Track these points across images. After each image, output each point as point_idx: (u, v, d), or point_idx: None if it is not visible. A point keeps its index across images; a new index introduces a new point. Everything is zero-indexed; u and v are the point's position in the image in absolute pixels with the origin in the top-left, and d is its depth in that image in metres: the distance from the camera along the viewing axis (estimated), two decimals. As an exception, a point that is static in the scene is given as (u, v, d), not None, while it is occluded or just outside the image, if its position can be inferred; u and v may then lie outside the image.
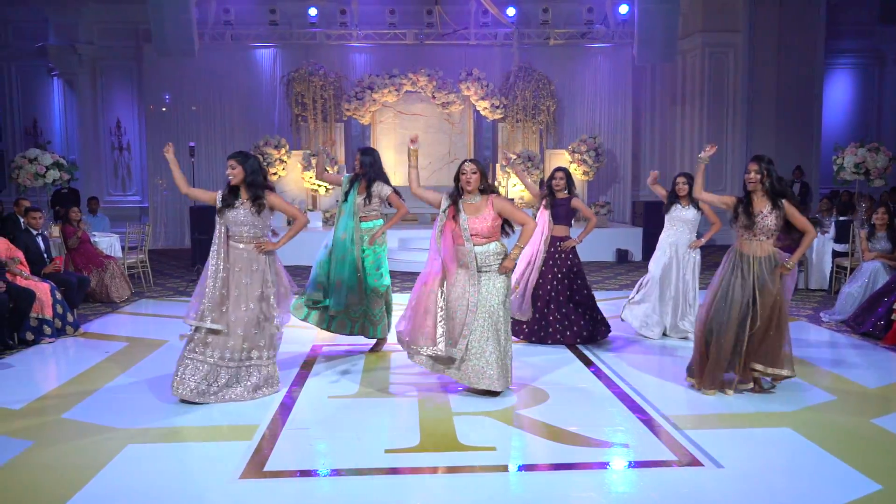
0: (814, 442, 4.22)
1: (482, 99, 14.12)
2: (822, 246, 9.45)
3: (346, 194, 6.18)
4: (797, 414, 4.74)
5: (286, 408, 4.92)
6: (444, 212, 5.08)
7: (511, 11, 14.16)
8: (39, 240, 7.76)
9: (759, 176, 4.98)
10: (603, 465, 3.98)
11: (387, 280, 6.30)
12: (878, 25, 16.39)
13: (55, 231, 9.29)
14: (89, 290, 8.68)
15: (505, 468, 3.96)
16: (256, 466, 3.96)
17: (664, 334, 6.89)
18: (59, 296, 7.13)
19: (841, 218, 9.41)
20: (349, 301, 6.08)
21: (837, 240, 9.18)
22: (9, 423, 4.70)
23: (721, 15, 14.79)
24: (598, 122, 15.24)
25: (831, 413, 4.79)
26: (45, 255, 7.74)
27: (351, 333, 6.28)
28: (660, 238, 7.01)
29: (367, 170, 6.15)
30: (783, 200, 4.96)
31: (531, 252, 6.61)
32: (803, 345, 6.71)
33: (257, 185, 5.10)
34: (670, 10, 13.03)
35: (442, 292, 5.08)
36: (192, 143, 11.49)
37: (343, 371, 5.85)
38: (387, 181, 6.28)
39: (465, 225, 4.97)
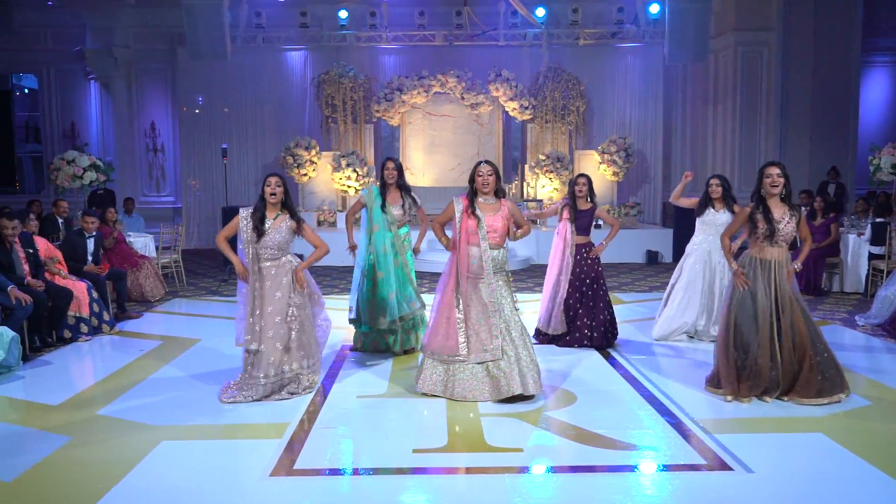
0: (847, 448, 4.15)
1: (511, 100, 14.11)
2: (857, 248, 9.29)
3: (380, 206, 6.17)
4: (831, 419, 4.67)
5: (316, 406, 4.98)
6: (460, 210, 5.11)
7: (540, 12, 14.12)
8: (91, 242, 7.91)
9: (782, 180, 4.94)
10: (631, 468, 3.97)
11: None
12: (917, 22, 16.04)
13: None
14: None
15: (532, 470, 3.96)
16: (287, 464, 4.01)
17: (690, 337, 6.81)
18: (95, 294, 7.28)
19: (877, 219, 9.22)
20: (403, 312, 6.18)
21: (873, 242, 9.00)
22: (47, 418, 4.82)
23: (754, 13, 14.59)
24: (628, 123, 15.14)
25: (866, 419, 4.71)
26: (92, 257, 7.91)
27: (405, 350, 6.36)
28: (691, 242, 6.90)
29: (400, 178, 6.26)
30: (800, 207, 5.00)
31: (557, 267, 6.59)
32: (838, 349, 6.48)
33: (291, 205, 5.23)
34: (702, 9, 12.90)
35: (458, 300, 5.09)
36: (224, 146, 11.65)
37: (372, 371, 5.90)
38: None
39: (483, 223, 5.04)
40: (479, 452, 4.18)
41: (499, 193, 5.18)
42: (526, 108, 14.16)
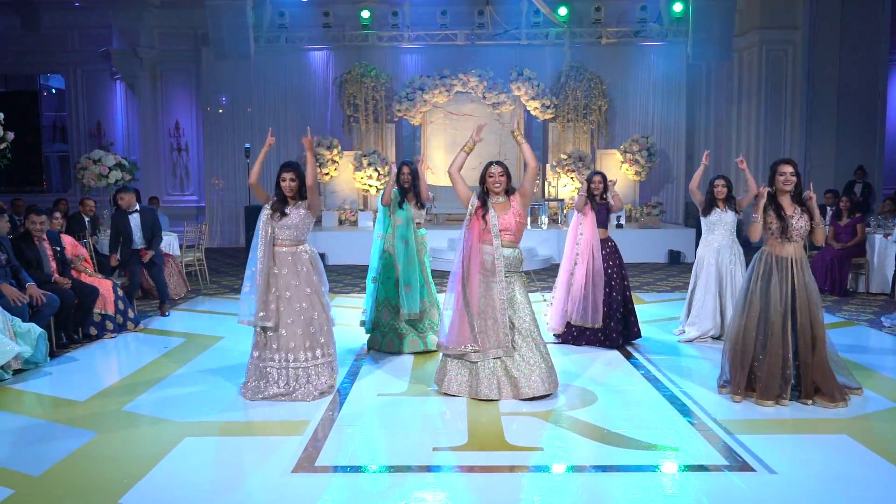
0: (872, 450, 4.10)
1: (533, 99, 14.08)
2: (884, 248, 9.16)
3: (399, 205, 6.42)
4: (855, 421, 4.61)
5: (337, 404, 5.01)
6: (472, 211, 5.11)
7: (563, 11, 14.07)
8: (134, 219, 8.02)
9: (794, 178, 4.94)
10: (652, 469, 3.95)
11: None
12: (946, 19, 15.76)
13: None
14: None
15: (552, 469, 3.96)
16: (308, 461, 4.04)
17: (715, 339, 6.75)
18: (121, 293, 7.38)
19: (904, 219, 9.11)
20: (422, 306, 6.34)
21: (901, 242, 8.88)
22: (74, 413, 4.90)
23: (779, 12, 14.43)
24: (650, 122, 15.03)
25: (891, 422, 4.65)
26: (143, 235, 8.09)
27: (420, 352, 6.41)
28: (700, 244, 6.87)
29: (415, 181, 6.44)
30: (807, 203, 4.97)
31: (586, 261, 6.55)
32: (863, 350, 6.53)
33: (305, 190, 5.24)
34: (727, 7, 12.80)
35: (468, 296, 5.09)
36: (247, 145, 11.75)
37: (392, 369, 5.92)
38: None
39: (495, 221, 5.04)
40: (500, 451, 4.18)
41: (509, 192, 5.19)
42: (548, 107, 14.12)
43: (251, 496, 3.65)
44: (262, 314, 5.08)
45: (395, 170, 6.48)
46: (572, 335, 6.61)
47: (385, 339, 6.46)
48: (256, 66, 14.55)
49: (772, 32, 14.53)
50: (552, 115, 14.29)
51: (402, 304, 6.30)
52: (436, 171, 14.43)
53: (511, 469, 3.94)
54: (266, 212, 5.20)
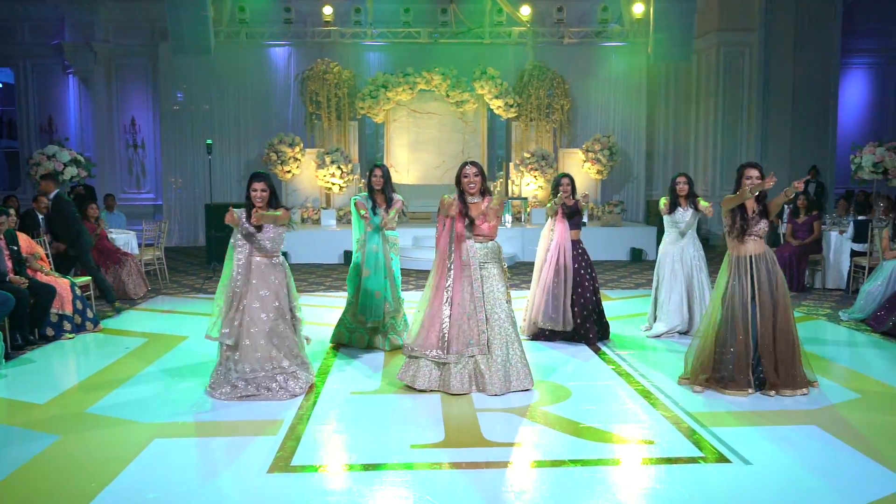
0: (841, 440, 4.20)
1: (496, 97, 14.10)
2: (839, 245, 9.39)
3: (372, 210, 6.37)
4: (823, 412, 4.71)
5: (310, 403, 4.92)
6: (453, 214, 5.10)
7: (526, 10, 14.13)
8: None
9: (760, 181, 5.07)
10: (630, 462, 3.97)
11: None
12: (894, 25, 16.27)
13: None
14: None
15: (531, 464, 3.95)
16: (283, 461, 3.96)
17: (681, 334, 6.84)
18: (79, 292, 7.16)
19: (859, 217, 9.34)
20: (385, 310, 6.34)
21: (855, 239, 9.11)
22: (33, 416, 4.73)
23: (737, 14, 14.73)
24: (611, 121, 15.19)
25: (857, 411, 4.76)
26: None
27: (389, 349, 6.42)
28: (663, 242, 6.95)
29: (386, 184, 6.42)
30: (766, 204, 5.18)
31: (554, 264, 6.57)
32: (824, 343, 6.69)
33: (278, 203, 5.19)
34: (687, 8, 12.98)
35: (446, 296, 5.08)
36: (209, 141, 11.47)
37: (363, 367, 5.86)
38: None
39: (470, 226, 5.08)
40: (478, 447, 4.16)
41: (484, 193, 5.19)
42: (511, 105, 14.16)
43: (227, 498, 3.57)
44: (225, 331, 5.00)
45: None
46: (545, 335, 6.62)
47: (353, 335, 6.45)
48: (216, 62, 14.26)
49: (729, 34, 14.82)
50: (515, 114, 14.33)
51: (369, 309, 6.28)
52: (399, 170, 14.37)
53: (490, 465, 3.91)
54: (242, 226, 5.09)
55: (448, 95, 14.15)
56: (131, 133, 15.53)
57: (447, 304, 5.07)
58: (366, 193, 6.49)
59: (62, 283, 7.00)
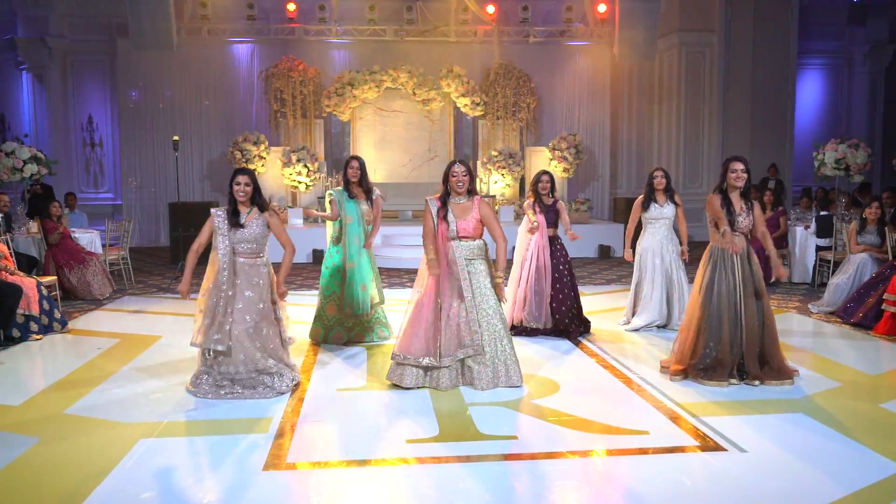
0: (829, 426, 4.27)
1: (463, 96, 14.10)
2: (805, 240, 9.62)
3: (348, 198, 6.32)
4: (807, 400, 4.80)
5: (297, 401, 4.84)
6: (435, 215, 5.07)
7: (491, 9, 14.17)
8: None
9: (745, 175, 5.14)
10: (630, 452, 3.97)
11: None
12: (847, 26, 16.77)
13: (33, 227, 9.07)
14: (69, 286, 8.50)
15: (530, 456, 3.92)
16: (278, 458, 3.88)
17: (659, 328, 6.91)
18: (45, 292, 6.93)
19: (822, 213, 9.58)
20: (371, 302, 6.35)
21: (819, 234, 9.34)
22: (9, 419, 4.55)
23: (697, 15, 15.01)
24: (577, 120, 15.34)
25: (840, 399, 4.86)
26: None
27: (369, 342, 6.44)
28: (642, 238, 7.00)
29: (363, 176, 6.39)
30: (753, 202, 5.24)
31: (534, 261, 6.59)
32: (799, 335, 6.83)
33: (262, 200, 5.09)
34: (651, 8, 13.15)
35: (436, 299, 5.05)
36: (176, 137, 11.14)
37: (347, 364, 5.79)
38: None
39: (454, 227, 5.05)
40: (474, 441, 4.13)
41: (472, 193, 5.16)
42: (478, 104, 14.17)
43: (222, 497, 3.46)
44: (216, 336, 4.85)
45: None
46: (526, 332, 6.63)
47: (331, 332, 6.38)
48: (177, 59, 13.99)
49: (690, 35, 15.10)
50: (482, 113, 14.35)
51: (356, 303, 6.25)
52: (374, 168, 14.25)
53: (488, 458, 3.88)
54: (222, 222, 4.96)
55: (415, 93, 14.10)
56: (88, 131, 15.16)
57: (437, 309, 5.02)
58: (340, 188, 6.41)
59: (28, 283, 6.75)
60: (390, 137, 14.60)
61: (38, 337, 6.65)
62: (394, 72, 13.86)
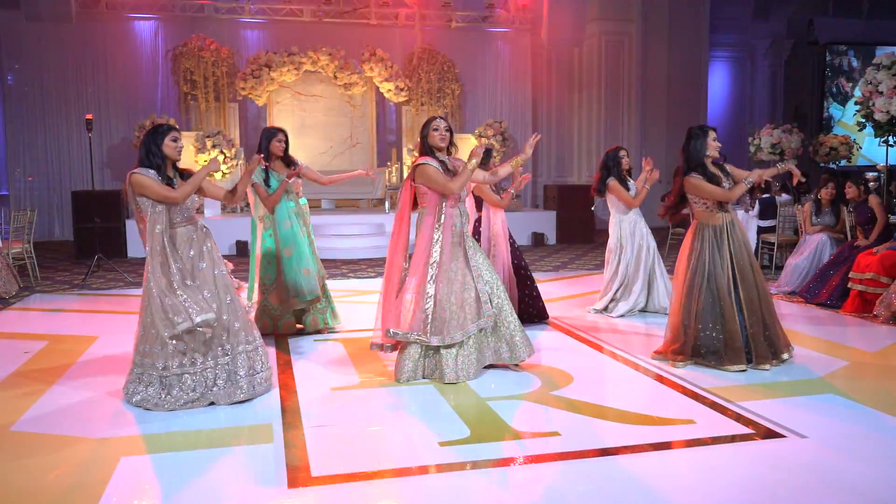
0: (871, 407, 4.11)
1: (386, 80, 13.56)
2: (746, 223, 9.73)
3: (265, 182, 5.63)
4: (828, 380, 4.65)
5: (290, 403, 4.24)
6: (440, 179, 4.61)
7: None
8: None
9: (718, 143, 5.07)
10: (691, 444, 3.63)
11: None
12: (752, 21, 17.42)
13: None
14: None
15: (582, 455, 3.50)
16: (301, 471, 3.30)
17: (641, 311, 6.72)
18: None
19: (763, 196, 9.74)
20: (319, 283, 5.84)
21: (762, 216, 9.48)
22: (-59, 442, 3.71)
23: (617, 4, 15.11)
24: (499, 107, 15.14)
25: (861, 377, 4.76)
26: None
27: (323, 326, 6.00)
28: (615, 222, 6.78)
29: (287, 150, 5.83)
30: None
31: (500, 241, 6.22)
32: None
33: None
34: (580, -6, 13.10)
35: (431, 276, 4.60)
36: (88, 116, 9.79)
37: (326, 358, 5.22)
38: None
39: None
40: (515, 440, 3.68)
41: (450, 150, 4.78)
42: (402, 89, 13.67)
43: (252, 523, 2.87)
44: (177, 319, 4.07)
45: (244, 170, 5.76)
46: None
47: (281, 321, 5.83)
48: (70, 35, 12.72)
49: (610, 24, 15.19)
50: (406, 98, 13.87)
51: (301, 289, 5.65)
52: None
53: (542, 459, 3.45)
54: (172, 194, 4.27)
55: (336, 77, 13.44)
56: (-35, 113, 13.50)
57: (438, 281, 4.56)
58: (261, 167, 5.58)
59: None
60: (310, 123, 13.85)
61: (-57, 343, 5.65)
62: (314, 54, 13.15)
